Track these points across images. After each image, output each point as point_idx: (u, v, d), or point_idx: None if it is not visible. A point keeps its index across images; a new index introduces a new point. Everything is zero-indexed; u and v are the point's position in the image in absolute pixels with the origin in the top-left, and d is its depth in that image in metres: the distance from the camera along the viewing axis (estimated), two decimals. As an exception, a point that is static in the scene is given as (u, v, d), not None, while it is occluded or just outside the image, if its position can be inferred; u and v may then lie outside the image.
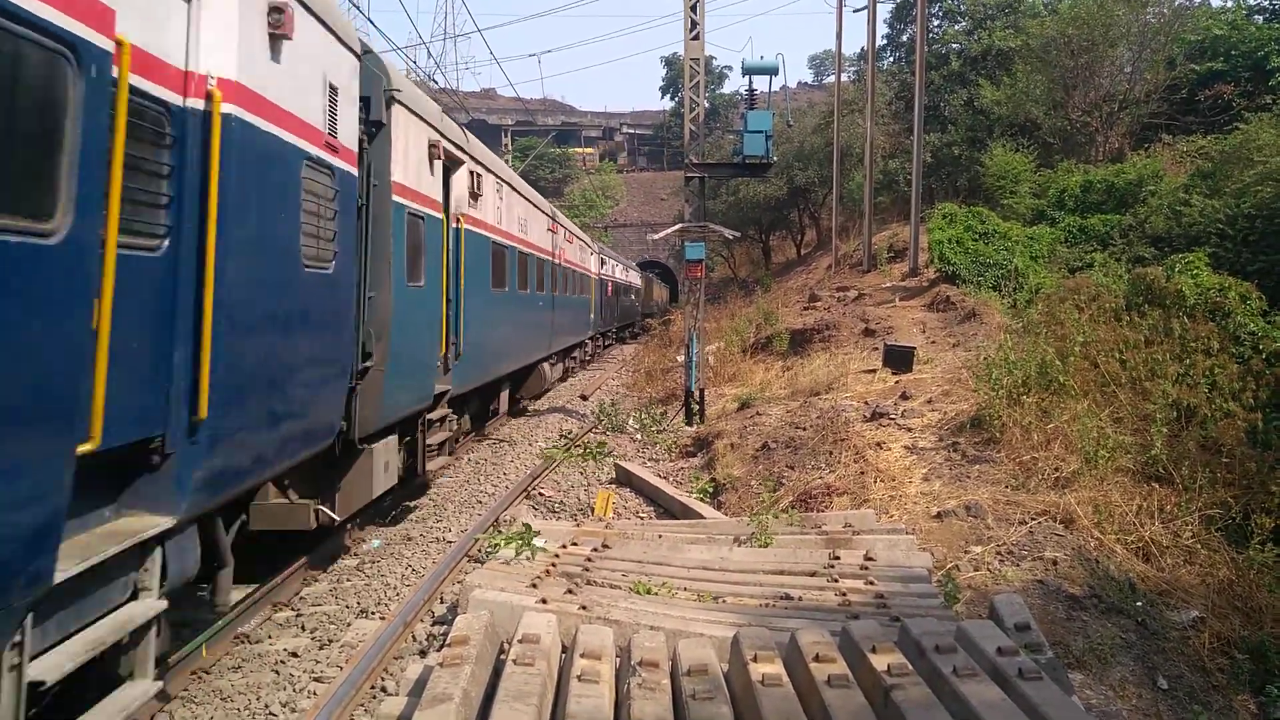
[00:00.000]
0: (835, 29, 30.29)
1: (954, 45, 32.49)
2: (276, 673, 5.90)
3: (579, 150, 62.61)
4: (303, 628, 6.72)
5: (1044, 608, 5.85)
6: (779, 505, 8.75)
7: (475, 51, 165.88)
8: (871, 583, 6.34)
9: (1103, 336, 10.60)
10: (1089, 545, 6.81)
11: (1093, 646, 5.38)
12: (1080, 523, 7.11)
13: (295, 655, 6.18)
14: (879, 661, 4.27)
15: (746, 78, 15.97)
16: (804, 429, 11.10)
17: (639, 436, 14.73)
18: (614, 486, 10.92)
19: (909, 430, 10.35)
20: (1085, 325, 10.91)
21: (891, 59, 37.59)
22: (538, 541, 7.30)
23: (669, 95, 60.68)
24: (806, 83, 73.76)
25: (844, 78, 34.64)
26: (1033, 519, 7.30)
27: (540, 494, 10.76)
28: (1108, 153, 24.83)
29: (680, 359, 19.15)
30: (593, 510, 9.77)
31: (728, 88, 58.99)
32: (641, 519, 9.59)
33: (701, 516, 8.93)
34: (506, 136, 45.36)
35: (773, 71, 15.56)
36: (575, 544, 7.44)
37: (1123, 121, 25.28)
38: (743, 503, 9.58)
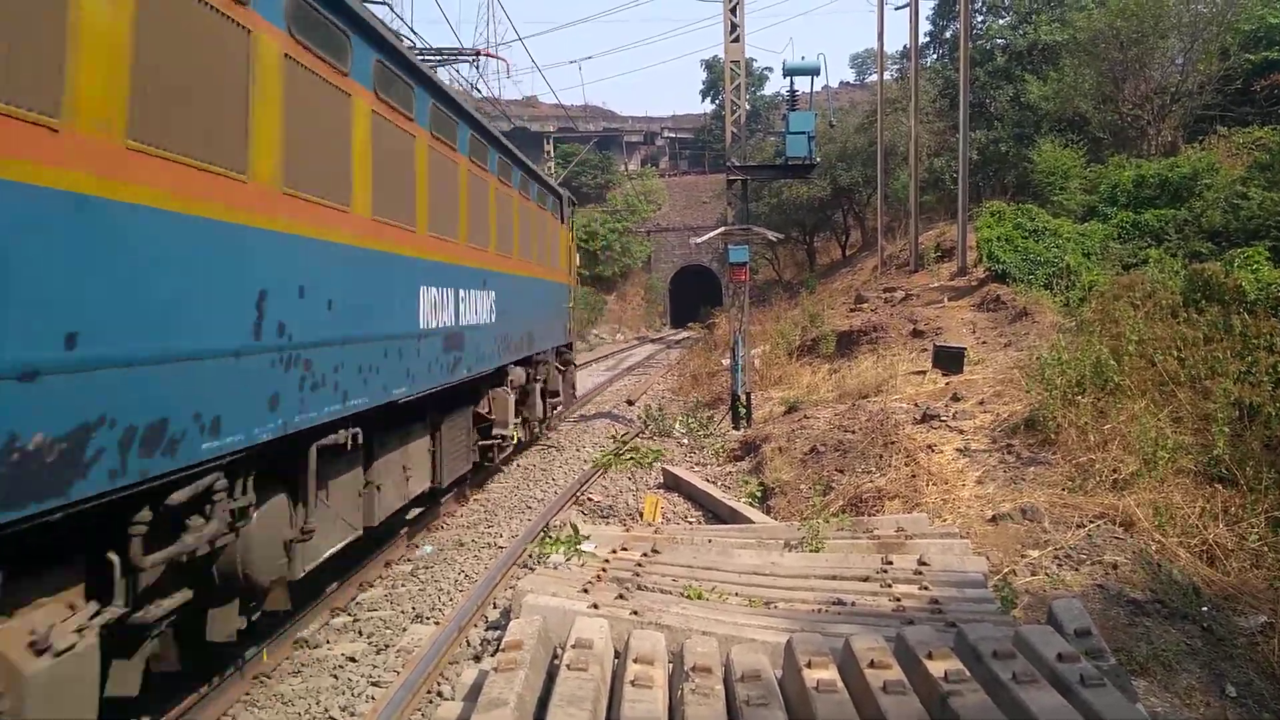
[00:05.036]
0: (877, 28, 30.09)
1: (999, 40, 31.96)
2: (335, 677, 6.01)
3: (622, 170, 62.60)
4: (359, 633, 6.83)
5: (1104, 613, 5.74)
6: (829, 509, 8.69)
7: (517, 59, 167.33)
8: (926, 588, 6.27)
9: (1159, 334, 10.36)
10: (1150, 549, 6.65)
11: (1157, 653, 5.25)
12: (1140, 525, 6.95)
13: (353, 660, 6.29)
14: (935, 668, 4.22)
15: (788, 79, 15.89)
16: (853, 432, 11.01)
17: (685, 441, 14.72)
18: (662, 491, 10.93)
19: (961, 432, 10.22)
20: (1141, 323, 10.68)
21: (935, 56, 37.02)
22: (587, 546, 7.34)
23: (709, 98, 60.57)
24: (849, 82, 73.01)
25: (886, 76, 34.36)
26: (1091, 522, 7.15)
27: (589, 499, 10.81)
28: (1160, 146, 24.25)
29: (725, 362, 19.11)
30: (641, 515, 9.78)
31: (768, 89, 58.50)
32: (690, 523, 9.58)
33: (750, 521, 8.90)
34: (548, 143, 45.68)
35: (814, 72, 15.48)
36: (625, 549, 7.47)
37: (1175, 114, 24.67)
38: (792, 507, 9.53)
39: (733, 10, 15.94)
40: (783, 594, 6.44)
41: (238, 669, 5.86)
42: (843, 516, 8.16)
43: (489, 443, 10.85)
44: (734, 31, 16.00)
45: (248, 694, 5.78)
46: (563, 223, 16.33)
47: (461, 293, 8.90)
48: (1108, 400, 9.23)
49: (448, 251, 8.46)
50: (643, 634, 5.07)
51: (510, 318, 11.12)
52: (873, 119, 33.09)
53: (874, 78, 42.21)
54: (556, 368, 15.34)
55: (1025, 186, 26.10)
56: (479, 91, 25.59)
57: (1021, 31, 30.69)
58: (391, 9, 16.42)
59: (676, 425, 15.64)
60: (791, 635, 4.83)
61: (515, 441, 12.16)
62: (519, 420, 12.24)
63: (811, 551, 7.24)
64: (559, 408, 16.40)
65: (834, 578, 6.69)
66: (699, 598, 6.32)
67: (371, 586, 7.94)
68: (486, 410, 10.67)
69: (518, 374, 11.84)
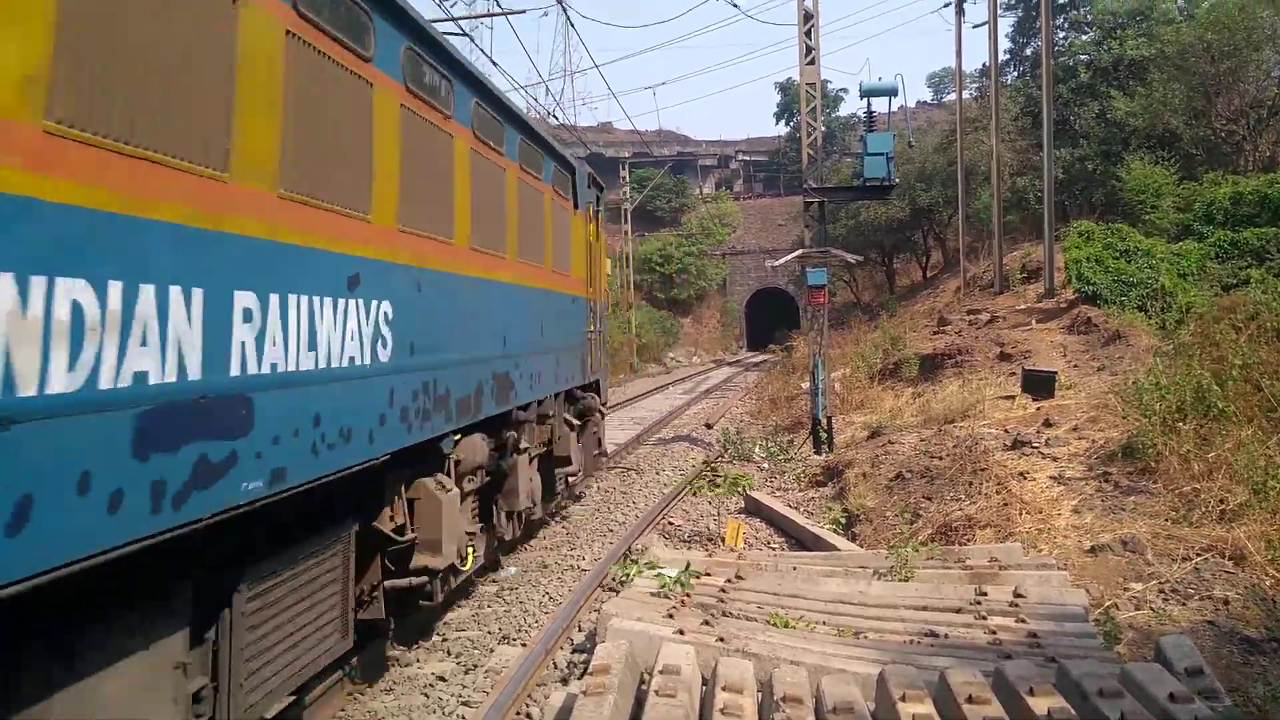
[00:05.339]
0: (955, 46, 29.71)
1: (1082, 56, 31.20)
2: (426, 695, 6.10)
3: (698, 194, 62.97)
4: (448, 652, 6.94)
5: (1216, 650, 5.48)
6: (917, 538, 8.51)
7: (592, 87, 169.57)
8: (1023, 620, 6.08)
9: (1265, 358, 9.90)
10: (1264, 584, 6.33)
11: (1275, 694, 4.98)
12: (1252, 559, 6.63)
13: (443, 679, 6.38)
14: (1038, 705, 4.09)
15: (864, 100, 15.79)
16: (940, 458, 10.78)
17: (766, 465, 14.60)
18: (743, 516, 10.86)
19: (1054, 459, 9.91)
20: (1244, 346, 10.23)
21: (1016, 74, 36.34)
22: (669, 571, 7.31)
23: (784, 120, 60.39)
24: (926, 101, 71.73)
25: (966, 95, 33.77)
26: (1198, 555, 6.85)
27: (669, 523, 10.79)
28: (1258, 162, 23.32)
29: (804, 386, 18.93)
30: (723, 540, 9.72)
31: (844, 110, 58.18)
32: (773, 549, 9.49)
33: (835, 548, 8.78)
34: (624, 168, 46.24)
35: (892, 92, 15.36)
36: (709, 574, 7.42)
37: (1273, 128, 23.73)
38: (878, 534, 9.36)
39: (808, 33, 15.95)
40: (872, 624, 6.32)
41: (340, 681, 5.99)
42: (932, 545, 7.98)
43: (407, 583, 6.04)
44: (809, 54, 16.00)
45: (343, 710, 5.91)
46: (577, 208, 11.01)
47: (251, 301, 3.87)
48: (1211, 427, 8.84)
49: (158, 188, 3.25)
50: (730, 662, 5.04)
51: (445, 352, 6.24)
52: (951, 138, 32.58)
53: (951, 97, 41.48)
54: (567, 421, 10.29)
55: (1114, 205, 25.36)
56: (555, 119, 25.99)
57: (1106, 47, 29.93)
58: (471, 40, 16.89)
59: (756, 449, 15.54)
60: (884, 667, 4.74)
61: (468, 568, 7.23)
62: (479, 529, 7.67)
63: (900, 581, 7.09)
64: (578, 476, 11.06)
65: (925, 608, 6.54)
66: (785, 626, 6.25)
67: (459, 606, 8.06)
68: (398, 525, 5.90)
69: (473, 450, 7.13)
